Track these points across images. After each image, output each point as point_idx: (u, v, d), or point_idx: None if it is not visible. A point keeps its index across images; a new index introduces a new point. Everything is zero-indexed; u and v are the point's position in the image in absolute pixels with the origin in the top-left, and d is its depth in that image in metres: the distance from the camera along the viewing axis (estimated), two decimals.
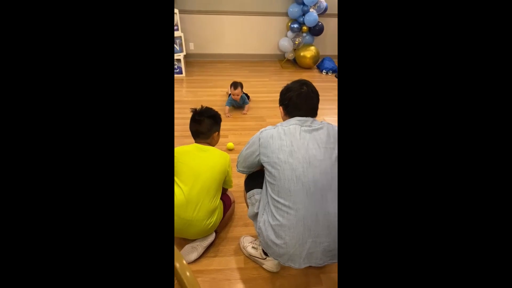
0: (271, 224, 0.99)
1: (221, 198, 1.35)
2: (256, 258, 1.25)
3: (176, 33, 3.23)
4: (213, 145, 1.38)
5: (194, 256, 1.27)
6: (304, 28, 3.57)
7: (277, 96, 1.17)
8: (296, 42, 3.66)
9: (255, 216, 1.12)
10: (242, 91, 2.54)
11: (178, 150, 1.29)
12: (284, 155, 0.97)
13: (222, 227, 1.43)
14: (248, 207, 1.21)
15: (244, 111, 2.61)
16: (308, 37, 3.66)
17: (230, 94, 2.56)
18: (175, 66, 3.35)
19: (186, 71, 3.45)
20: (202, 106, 1.42)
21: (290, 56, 3.79)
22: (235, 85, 2.50)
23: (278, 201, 0.97)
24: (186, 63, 3.70)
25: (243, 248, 1.31)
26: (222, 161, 1.28)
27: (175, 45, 3.27)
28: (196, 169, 1.22)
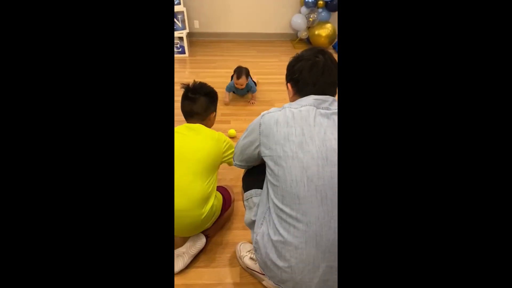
0: (272, 239, 0.74)
1: (221, 193, 1.13)
2: (254, 272, 1.02)
3: (178, 7, 2.93)
4: (209, 127, 1.18)
5: (179, 266, 1.04)
6: (320, 2, 3.19)
7: None
8: (311, 19, 3.30)
9: (252, 224, 0.87)
10: (248, 79, 2.10)
11: None
12: (291, 147, 0.70)
13: (216, 230, 1.19)
14: (245, 211, 0.97)
15: (251, 100, 2.20)
16: (324, 13, 3.29)
17: (232, 77, 2.17)
18: (177, 45, 3.08)
19: (189, 51, 3.18)
20: (195, 81, 1.17)
21: (303, 35, 3.44)
22: (239, 72, 2.04)
23: (282, 210, 0.72)
24: (190, 42, 3.43)
25: (240, 258, 1.07)
26: (212, 142, 1.07)
27: (176, 21, 2.98)
28: (181, 151, 1.01)
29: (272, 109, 0.79)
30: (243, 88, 2.13)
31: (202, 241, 1.09)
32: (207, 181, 1.03)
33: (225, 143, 1.12)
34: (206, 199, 1.02)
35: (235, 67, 2.12)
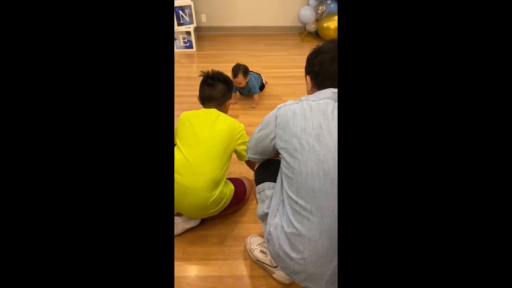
0: (286, 231, 0.74)
1: (235, 184, 1.19)
2: (264, 264, 1.02)
3: (185, 1, 2.92)
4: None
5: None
6: None
7: (296, 72, 0.92)
8: (319, 11, 3.24)
9: (264, 217, 0.87)
10: (247, 77, 2.00)
11: (185, 113, 1.17)
12: (308, 140, 0.69)
13: (215, 217, 1.21)
14: (257, 204, 0.97)
15: (252, 104, 2.08)
16: (333, 5, 3.23)
17: None
18: (185, 40, 3.07)
19: (197, 46, 3.17)
20: (213, 69, 1.26)
21: (311, 28, 3.39)
22: (235, 71, 1.95)
23: (296, 202, 0.72)
24: (198, 36, 3.42)
25: (250, 251, 1.08)
26: (229, 128, 1.12)
27: (184, 15, 2.97)
28: (199, 132, 1.09)
29: (289, 102, 0.78)
30: (244, 87, 2.04)
31: (197, 219, 1.18)
32: (219, 165, 1.07)
33: (239, 130, 1.17)
34: (216, 183, 1.06)
35: (243, 61, 2.09)
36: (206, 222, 1.24)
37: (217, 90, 1.20)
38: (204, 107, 1.23)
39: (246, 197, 1.27)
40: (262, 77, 2.25)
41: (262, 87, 2.22)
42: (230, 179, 1.22)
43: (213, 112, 1.16)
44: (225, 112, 1.25)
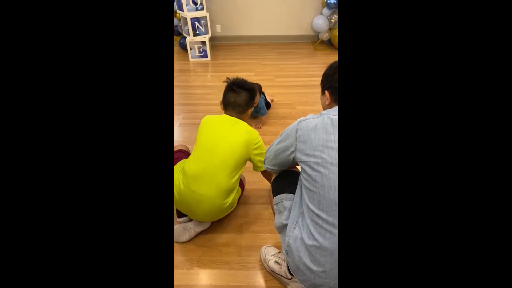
0: (306, 244, 0.74)
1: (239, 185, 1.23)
2: (279, 276, 1.02)
3: (201, 13, 3.00)
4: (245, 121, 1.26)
5: (185, 237, 1.17)
6: None
7: (309, 81, 0.94)
8: (333, 21, 3.26)
9: (283, 228, 0.87)
10: (260, 95, 1.86)
11: (205, 119, 1.20)
12: (330, 153, 0.70)
13: (230, 227, 1.27)
14: (274, 215, 0.97)
15: (258, 124, 1.94)
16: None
17: None
18: (200, 49, 3.14)
19: (211, 55, 3.24)
20: (238, 77, 1.28)
21: (324, 36, 3.41)
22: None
23: (318, 215, 0.72)
24: (212, 46, 3.50)
25: (264, 261, 1.08)
26: (246, 137, 1.13)
27: (199, 26, 3.05)
28: (218, 140, 1.10)
29: (309, 116, 0.79)
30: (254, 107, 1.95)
31: (207, 223, 1.22)
32: (234, 174, 1.10)
33: (257, 140, 1.17)
34: (229, 191, 1.11)
35: (256, 70, 2.06)
36: (221, 231, 1.25)
37: (241, 97, 1.21)
38: (225, 112, 1.24)
39: (242, 190, 1.33)
40: (266, 96, 2.10)
41: (268, 106, 2.09)
42: None
43: (233, 120, 1.18)
44: (245, 120, 1.27)
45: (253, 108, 1.30)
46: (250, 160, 1.18)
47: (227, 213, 1.20)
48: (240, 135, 1.13)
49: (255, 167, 1.21)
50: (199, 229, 1.21)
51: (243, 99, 1.22)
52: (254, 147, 1.15)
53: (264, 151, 1.15)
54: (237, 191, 1.19)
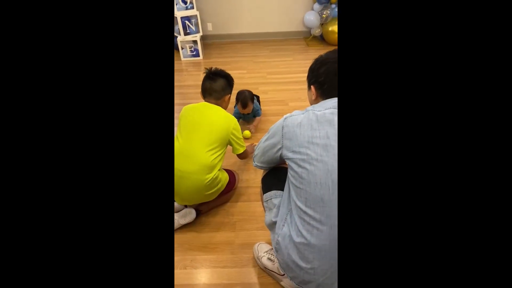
0: (295, 241, 0.74)
1: (228, 173, 1.31)
2: (272, 272, 1.02)
3: (191, 12, 2.98)
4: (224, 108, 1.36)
5: None
6: None
7: (302, 77, 0.92)
8: (324, 16, 3.25)
9: (272, 226, 0.87)
10: (253, 102, 1.86)
11: (186, 107, 1.29)
12: (316, 150, 0.70)
13: (209, 208, 1.32)
14: (265, 212, 0.97)
15: (252, 127, 1.86)
16: (337, 9, 3.23)
17: (236, 105, 1.88)
18: (192, 48, 3.13)
19: (203, 54, 3.22)
20: (216, 67, 1.38)
21: (316, 32, 3.40)
22: (244, 101, 1.77)
23: (305, 212, 0.72)
24: (204, 45, 3.48)
25: (258, 258, 1.08)
26: (223, 121, 1.23)
27: (190, 25, 3.03)
28: (196, 122, 1.21)
29: (295, 112, 0.79)
30: (250, 113, 1.92)
31: (192, 215, 1.24)
32: (213, 152, 1.17)
33: (234, 124, 1.26)
34: (210, 168, 1.15)
35: (249, 68, 2.07)
36: (215, 230, 1.25)
37: (217, 84, 1.31)
38: (204, 100, 1.33)
39: (234, 187, 1.39)
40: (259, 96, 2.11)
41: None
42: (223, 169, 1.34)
43: (212, 105, 1.27)
44: (225, 106, 1.36)
45: (230, 96, 1.38)
46: (229, 143, 1.26)
47: (211, 196, 1.22)
48: (220, 117, 1.23)
49: (234, 150, 1.31)
50: (183, 221, 1.23)
51: (219, 85, 1.32)
52: (233, 131, 1.24)
53: (241, 136, 1.32)
54: (222, 173, 1.25)
